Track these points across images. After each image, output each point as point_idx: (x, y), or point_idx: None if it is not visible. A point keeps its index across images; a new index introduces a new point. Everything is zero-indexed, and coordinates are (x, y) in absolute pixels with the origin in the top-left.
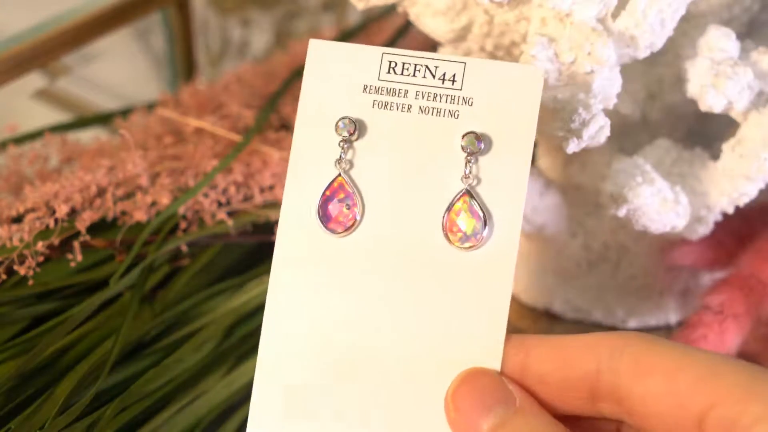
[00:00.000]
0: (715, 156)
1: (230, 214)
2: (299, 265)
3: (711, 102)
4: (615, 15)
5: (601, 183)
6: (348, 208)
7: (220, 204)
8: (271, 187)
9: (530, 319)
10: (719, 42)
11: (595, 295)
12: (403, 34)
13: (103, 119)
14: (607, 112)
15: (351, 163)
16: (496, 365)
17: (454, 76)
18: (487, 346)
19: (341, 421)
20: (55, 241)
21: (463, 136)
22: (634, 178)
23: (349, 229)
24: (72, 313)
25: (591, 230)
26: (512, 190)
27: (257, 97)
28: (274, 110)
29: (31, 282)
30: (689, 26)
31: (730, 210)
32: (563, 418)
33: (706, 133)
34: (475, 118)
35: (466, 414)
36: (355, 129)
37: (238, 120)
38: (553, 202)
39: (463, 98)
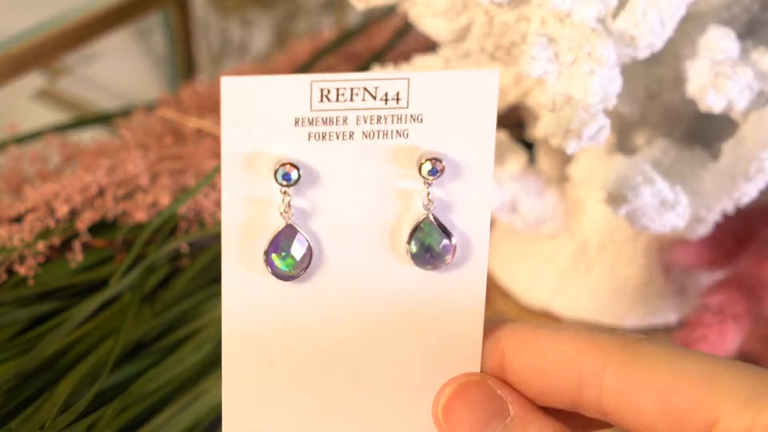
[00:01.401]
0: (715, 156)
1: None
2: (253, 319)
3: (711, 102)
4: (615, 15)
5: (601, 183)
6: (304, 257)
7: (220, 204)
8: None
9: (530, 319)
10: (719, 42)
11: (594, 295)
12: (403, 34)
13: (103, 119)
14: (607, 112)
15: (298, 208)
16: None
17: (398, 94)
18: (464, 358)
19: None
20: (56, 241)
21: (420, 162)
22: (634, 178)
23: (306, 270)
24: (72, 313)
25: (590, 230)
26: (476, 207)
27: None
28: None
29: (31, 282)
30: (689, 26)
31: (730, 210)
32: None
33: (706, 133)
34: (427, 135)
35: (457, 427)
36: (298, 171)
37: None
38: (553, 202)
39: (411, 116)
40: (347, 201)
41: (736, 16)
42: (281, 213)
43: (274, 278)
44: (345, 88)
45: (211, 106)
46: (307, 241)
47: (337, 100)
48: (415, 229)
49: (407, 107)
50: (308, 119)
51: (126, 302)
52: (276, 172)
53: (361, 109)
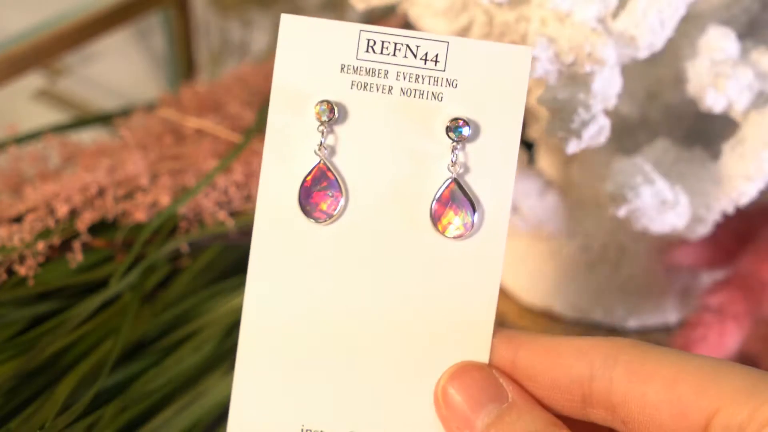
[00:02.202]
0: (715, 156)
1: (230, 214)
2: (279, 255)
3: (711, 102)
4: (615, 15)
5: (601, 183)
6: (331, 196)
7: (220, 204)
8: None
9: (530, 319)
10: (719, 42)
11: (594, 295)
12: None
13: (103, 119)
14: (607, 112)
15: (332, 149)
16: (485, 357)
17: (436, 56)
18: (475, 336)
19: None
20: (56, 241)
21: (449, 123)
22: (634, 178)
23: (332, 217)
24: (72, 313)
25: (590, 230)
26: (500, 177)
27: (257, 97)
28: None
29: (31, 282)
30: (689, 26)
31: (730, 210)
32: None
33: (706, 133)
34: (459, 101)
35: (458, 411)
36: (334, 112)
37: (238, 120)
38: (553, 202)
39: (447, 80)
40: (377, 153)
41: (736, 16)
42: (315, 151)
43: (303, 218)
44: (389, 42)
45: (211, 106)
46: (338, 184)
47: (381, 52)
48: (440, 193)
49: (444, 71)
50: (353, 67)
51: (126, 302)
52: (316, 108)
53: (402, 65)
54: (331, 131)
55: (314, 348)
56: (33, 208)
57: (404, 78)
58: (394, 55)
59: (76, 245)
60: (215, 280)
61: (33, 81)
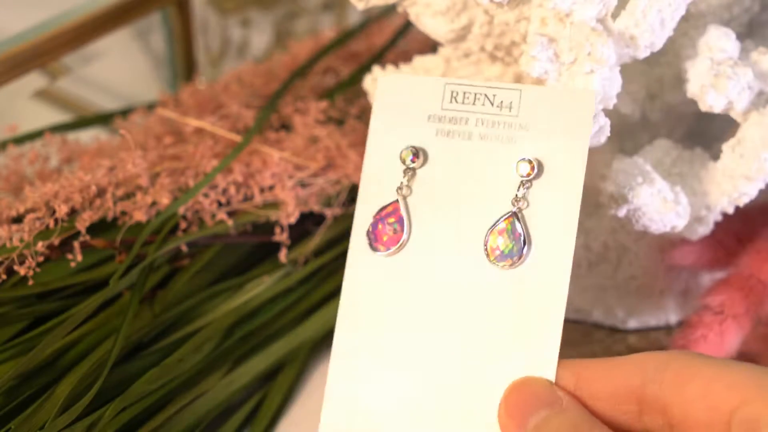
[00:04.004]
0: (715, 156)
1: (230, 214)
2: (358, 280)
3: (711, 102)
4: (615, 15)
5: (601, 183)
6: (395, 231)
7: (220, 204)
8: (271, 188)
9: None
10: (719, 42)
11: (595, 295)
12: (403, 34)
13: (103, 119)
14: (607, 112)
15: (411, 189)
16: (551, 375)
17: (510, 103)
18: (540, 357)
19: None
20: (55, 241)
21: (518, 162)
22: (634, 178)
23: (395, 249)
24: (72, 313)
25: (591, 230)
26: (563, 212)
27: (257, 97)
28: (274, 110)
29: (31, 282)
30: (689, 26)
31: (730, 210)
32: None
33: (706, 133)
34: (530, 143)
35: (514, 414)
36: (418, 157)
37: (238, 120)
38: None
39: (520, 124)
40: (452, 192)
41: (736, 16)
42: (397, 189)
43: (369, 248)
44: (470, 93)
45: (211, 106)
46: (405, 219)
47: (463, 102)
48: (495, 225)
49: (517, 116)
50: (438, 116)
51: (126, 302)
52: (402, 153)
53: (481, 113)
54: (414, 174)
55: (393, 367)
56: (33, 208)
57: (482, 124)
58: (473, 104)
59: (76, 245)
60: (215, 280)
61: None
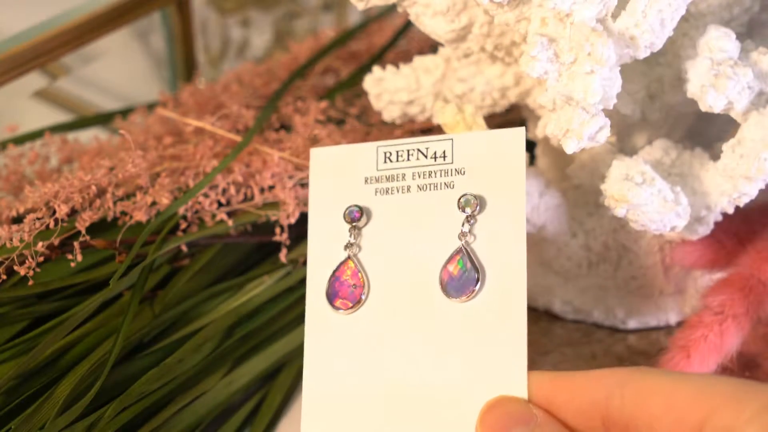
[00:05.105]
0: (715, 156)
1: (230, 214)
2: (320, 341)
3: (711, 102)
4: (615, 15)
5: (601, 183)
6: (353, 287)
7: (220, 204)
8: (271, 188)
9: (530, 319)
10: (719, 42)
11: (595, 295)
12: (403, 34)
13: (103, 119)
14: (607, 112)
15: (359, 247)
16: (523, 394)
17: (444, 152)
18: (510, 379)
19: None
20: (55, 241)
21: (459, 199)
22: (634, 178)
23: (354, 306)
24: (72, 313)
25: (591, 230)
26: (511, 241)
27: (257, 97)
28: (274, 110)
29: (31, 282)
30: (689, 26)
31: (730, 210)
32: None
33: (706, 133)
34: (469, 183)
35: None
36: (361, 215)
37: (238, 120)
38: (553, 202)
39: (455, 170)
40: (399, 243)
41: (737, 16)
42: (345, 247)
43: (329, 307)
44: (403, 150)
45: (211, 106)
46: (362, 274)
47: (397, 160)
48: (448, 261)
49: (452, 162)
50: (375, 177)
51: (126, 302)
52: (345, 212)
53: (416, 167)
54: (360, 233)
55: (366, 409)
56: (33, 208)
57: (419, 176)
58: (408, 159)
59: (76, 245)
60: (215, 280)
61: (33, 81)
